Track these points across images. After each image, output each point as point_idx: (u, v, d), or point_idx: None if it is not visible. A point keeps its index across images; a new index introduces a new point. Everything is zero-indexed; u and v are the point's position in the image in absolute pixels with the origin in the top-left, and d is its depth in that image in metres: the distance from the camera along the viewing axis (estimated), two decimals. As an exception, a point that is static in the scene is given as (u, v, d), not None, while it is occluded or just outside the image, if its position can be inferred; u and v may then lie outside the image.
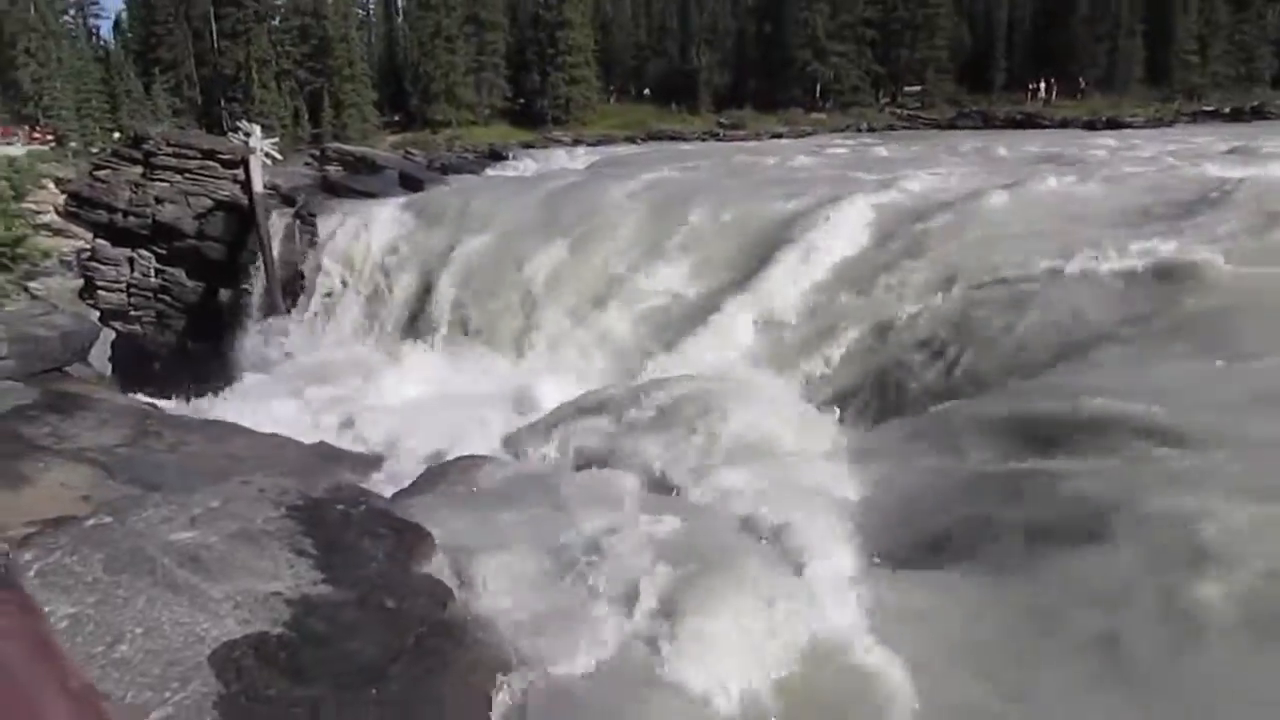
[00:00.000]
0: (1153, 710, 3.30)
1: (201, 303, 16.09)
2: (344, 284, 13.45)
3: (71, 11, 57.75)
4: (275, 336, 13.38)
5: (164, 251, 16.39)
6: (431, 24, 53.19)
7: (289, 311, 13.88)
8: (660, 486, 6.02)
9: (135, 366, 15.82)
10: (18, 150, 35.20)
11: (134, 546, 3.42)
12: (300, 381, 10.79)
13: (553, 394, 8.93)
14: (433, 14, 53.09)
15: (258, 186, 15.11)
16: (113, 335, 16.56)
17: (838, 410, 7.56)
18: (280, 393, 10.38)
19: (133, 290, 16.59)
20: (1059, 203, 10.53)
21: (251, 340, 13.70)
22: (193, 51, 55.47)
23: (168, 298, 16.47)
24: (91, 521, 3.65)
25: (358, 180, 18.12)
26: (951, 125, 45.68)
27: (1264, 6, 48.64)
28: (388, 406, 9.57)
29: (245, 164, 15.33)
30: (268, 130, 20.64)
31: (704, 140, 46.05)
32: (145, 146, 17.08)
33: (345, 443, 8.36)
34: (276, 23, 54.15)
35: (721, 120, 52.22)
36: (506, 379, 10.11)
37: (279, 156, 17.55)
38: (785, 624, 3.91)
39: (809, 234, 10.20)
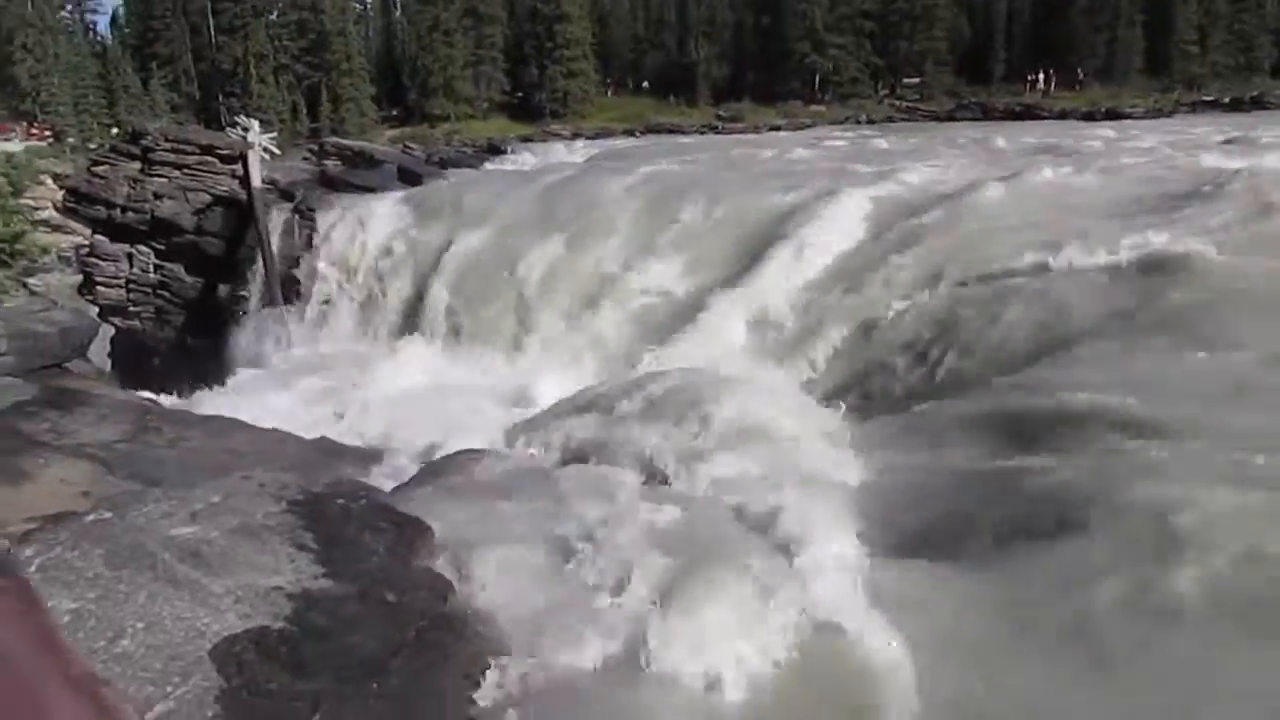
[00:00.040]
0: (1131, 697, 3.36)
1: (200, 298, 16.06)
2: (340, 288, 13.42)
3: (69, 7, 57.44)
4: (273, 331, 13.39)
5: (163, 247, 16.34)
6: (429, 18, 52.93)
7: (288, 307, 13.89)
8: (657, 476, 6.07)
9: (134, 362, 15.81)
10: (15, 146, 35.03)
11: (134, 542, 3.46)
12: (297, 375, 10.82)
13: (549, 391, 8.96)
14: (430, 8, 52.81)
15: (256, 181, 15.08)
16: (112, 331, 16.54)
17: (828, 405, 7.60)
18: (277, 386, 10.40)
19: (132, 286, 16.55)
20: (1055, 194, 10.55)
21: (250, 335, 13.71)
22: (190, 46, 55.23)
23: (167, 293, 16.43)
24: (92, 517, 3.69)
25: (356, 175, 18.10)
26: (950, 117, 45.38)
27: (1263, -4, 48.49)
28: (384, 398, 9.57)
29: (244, 159, 15.30)
30: (266, 125, 20.57)
31: (702, 133, 45.71)
32: (143, 142, 17.00)
33: (341, 434, 8.39)
34: (274, 17, 53.81)
35: (720, 113, 51.86)
36: (503, 377, 10.13)
37: (277, 151, 17.49)
38: (779, 611, 3.96)
39: (803, 229, 10.21)
